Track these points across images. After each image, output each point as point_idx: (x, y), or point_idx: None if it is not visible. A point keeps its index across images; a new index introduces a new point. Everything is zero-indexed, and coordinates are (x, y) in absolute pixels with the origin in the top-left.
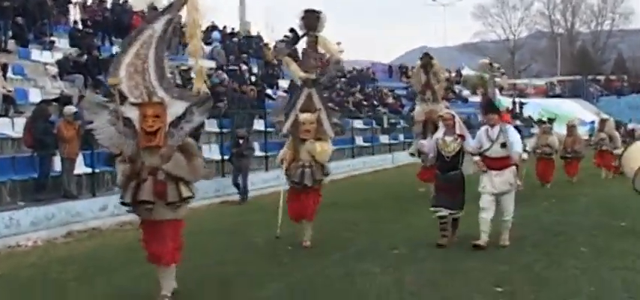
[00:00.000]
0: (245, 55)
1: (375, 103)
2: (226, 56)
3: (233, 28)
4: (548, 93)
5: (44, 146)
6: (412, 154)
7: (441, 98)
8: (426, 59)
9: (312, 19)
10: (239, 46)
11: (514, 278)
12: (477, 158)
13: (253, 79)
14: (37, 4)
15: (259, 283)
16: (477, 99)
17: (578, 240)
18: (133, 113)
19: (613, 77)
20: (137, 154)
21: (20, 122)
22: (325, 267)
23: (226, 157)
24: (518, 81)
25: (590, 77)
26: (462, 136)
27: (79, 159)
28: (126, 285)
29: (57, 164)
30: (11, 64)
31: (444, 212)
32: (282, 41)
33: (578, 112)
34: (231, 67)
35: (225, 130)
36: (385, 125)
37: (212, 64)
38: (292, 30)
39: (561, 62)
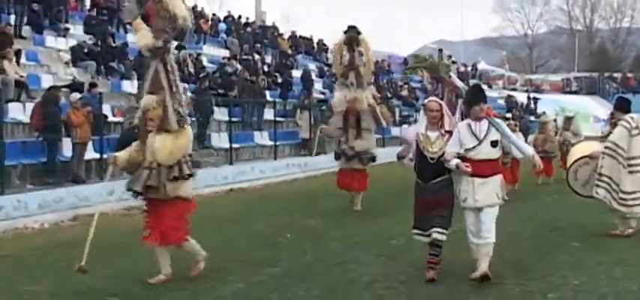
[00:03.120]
0: (259, 45)
1: (389, 95)
2: (240, 46)
3: (247, 18)
4: (564, 89)
5: (52, 131)
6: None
7: (366, 84)
8: (352, 33)
9: None
10: (254, 35)
11: (503, 271)
12: (454, 162)
13: (266, 69)
14: None
15: (257, 268)
16: (495, 94)
17: (572, 235)
18: None
19: (630, 75)
20: None
21: (32, 107)
22: (322, 254)
23: (235, 146)
24: (533, 77)
25: (607, 74)
26: (451, 133)
27: (89, 144)
28: (128, 266)
29: (67, 149)
30: (25, 50)
31: (428, 236)
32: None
33: (593, 109)
34: (244, 57)
35: (234, 119)
36: (397, 118)
37: (226, 53)
38: None
39: (580, 59)
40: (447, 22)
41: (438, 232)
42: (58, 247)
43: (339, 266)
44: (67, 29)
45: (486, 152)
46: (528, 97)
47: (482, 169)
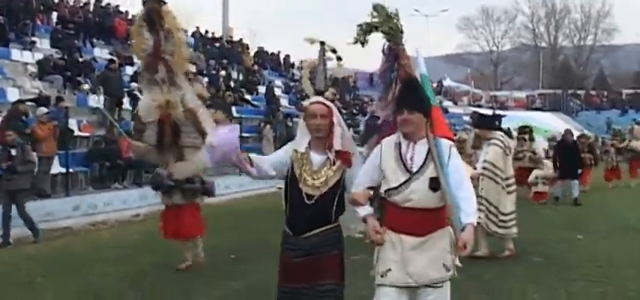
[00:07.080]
0: (226, 61)
1: (355, 111)
2: (206, 61)
3: (213, 33)
4: (528, 106)
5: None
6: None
7: (184, 79)
8: (152, 4)
9: None
10: (220, 51)
11: (464, 286)
12: (365, 212)
13: (232, 84)
14: (22, 3)
15: (221, 282)
16: (460, 110)
17: (533, 251)
18: None
19: (593, 92)
20: None
21: None
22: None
23: None
24: (498, 93)
25: (570, 92)
26: (347, 157)
27: (54, 159)
28: (93, 282)
29: None
30: None
31: None
32: None
33: (557, 126)
34: (211, 72)
35: None
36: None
37: (192, 68)
38: None
39: (544, 76)
40: (412, 39)
41: None
42: (22, 261)
43: None
44: (34, 42)
45: (422, 197)
46: (493, 114)
47: (417, 223)
